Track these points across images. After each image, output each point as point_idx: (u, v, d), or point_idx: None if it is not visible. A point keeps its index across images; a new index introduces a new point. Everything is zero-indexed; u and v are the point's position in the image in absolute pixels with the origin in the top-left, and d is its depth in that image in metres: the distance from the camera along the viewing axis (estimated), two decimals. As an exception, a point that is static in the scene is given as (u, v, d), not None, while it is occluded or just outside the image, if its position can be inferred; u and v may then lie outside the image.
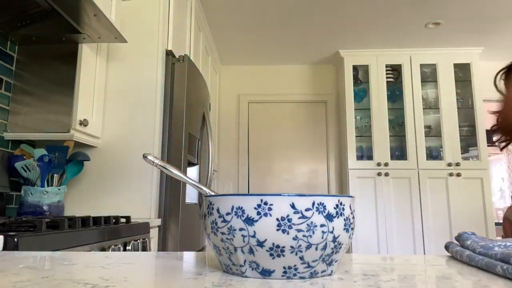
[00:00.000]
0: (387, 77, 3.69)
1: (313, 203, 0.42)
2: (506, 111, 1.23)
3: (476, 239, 0.58)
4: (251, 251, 0.42)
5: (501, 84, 1.33)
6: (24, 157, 1.62)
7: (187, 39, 2.52)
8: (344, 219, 0.44)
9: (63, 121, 1.69)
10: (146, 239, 1.46)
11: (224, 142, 4.04)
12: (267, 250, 0.41)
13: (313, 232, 0.41)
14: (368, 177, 3.50)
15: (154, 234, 1.75)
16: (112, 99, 1.96)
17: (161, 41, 2.00)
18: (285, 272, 0.42)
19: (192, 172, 2.29)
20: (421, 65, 3.70)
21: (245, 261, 0.43)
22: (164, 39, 2.05)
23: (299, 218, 0.41)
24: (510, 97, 1.24)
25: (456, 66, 3.70)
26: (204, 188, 0.59)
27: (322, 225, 0.42)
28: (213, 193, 0.57)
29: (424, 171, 3.46)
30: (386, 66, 3.71)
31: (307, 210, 0.41)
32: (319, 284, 0.40)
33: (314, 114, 4.09)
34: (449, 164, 3.46)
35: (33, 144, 1.84)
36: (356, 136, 3.63)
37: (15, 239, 0.80)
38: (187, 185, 1.99)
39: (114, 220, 1.33)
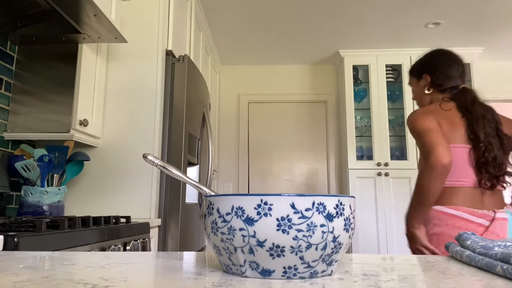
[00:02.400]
0: (387, 77, 3.69)
1: (313, 203, 0.42)
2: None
3: (476, 239, 0.58)
4: (251, 251, 0.42)
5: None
6: (24, 157, 1.62)
7: (187, 39, 2.52)
8: (344, 219, 0.44)
9: (63, 121, 1.69)
10: (146, 239, 1.46)
11: (224, 142, 4.04)
12: (267, 250, 0.41)
13: (313, 232, 0.41)
14: (368, 177, 3.50)
15: (154, 234, 1.75)
16: (112, 99, 1.96)
17: (161, 41, 2.00)
18: (285, 272, 0.42)
19: (192, 172, 2.29)
20: (421, 65, 3.70)
21: (245, 261, 0.43)
22: (164, 39, 2.05)
23: (299, 218, 0.41)
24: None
25: (456, 66, 3.70)
26: (204, 188, 0.59)
27: (322, 225, 0.42)
28: (213, 193, 0.57)
29: (424, 171, 3.46)
30: (386, 66, 3.71)
31: (307, 210, 0.41)
32: (319, 284, 0.40)
33: (314, 114, 4.09)
34: (449, 164, 3.46)
35: (33, 144, 1.84)
36: (356, 136, 3.63)
37: (15, 239, 0.80)
38: (187, 185, 1.99)
39: (114, 220, 1.33)
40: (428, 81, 1.53)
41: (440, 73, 1.51)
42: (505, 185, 1.33)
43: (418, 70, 1.59)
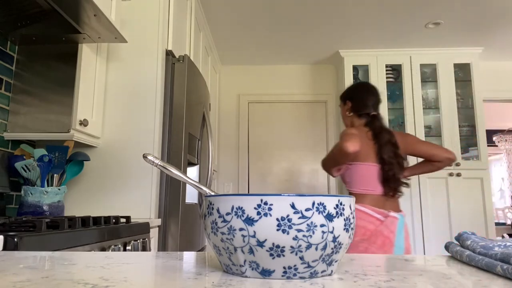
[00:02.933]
0: (387, 77, 3.69)
1: (313, 203, 0.42)
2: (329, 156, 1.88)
3: (476, 239, 0.58)
4: (251, 251, 0.42)
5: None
6: (24, 157, 1.62)
7: (187, 39, 2.52)
8: (344, 219, 0.44)
9: (63, 121, 1.69)
10: (146, 239, 1.46)
11: (224, 142, 4.04)
12: (267, 250, 0.41)
13: (313, 232, 0.41)
14: (368, 177, 3.49)
15: (154, 234, 1.75)
16: (112, 99, 1.96)
17: (161, 41, 2.00)
18: (285, 272, 0.42)
19: (192, 172, 2.29)
20: (421, 65, 3.70)
21: (245, 261, 0.43)
22: (164, 39, 2.05)
23: (299, 218, 0.41)
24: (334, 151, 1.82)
25: (456, 66, 3.70)
26: (204, 188, 0.59)
27: (322, 225, 0.42)
28: (213, 193, 0.57)
29: (424, 171, 3.46)
30: (386, 66, 3.71)
31: (307, 210, 0.41)
32: (319, 284, 0.40)
33: (314, 114, 4.09)
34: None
35: (33, 144, 1.84)
36: (356, 136, 3.62)
37: (15, 239, 0.80)
38: (187, 185, 1.99)
39: (114, 220, 1.33)
40: (349, 106, 1.94)
41: (359, 101, 1.92)
42: (400, 194, 1.80)
43: (344, 96, 2.00)
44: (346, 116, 1.97)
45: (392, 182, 1.78)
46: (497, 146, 6.90)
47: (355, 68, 3.77)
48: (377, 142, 1.81)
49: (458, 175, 3.45)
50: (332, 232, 0.42)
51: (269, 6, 2.92)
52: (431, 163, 1.88)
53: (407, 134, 2.00)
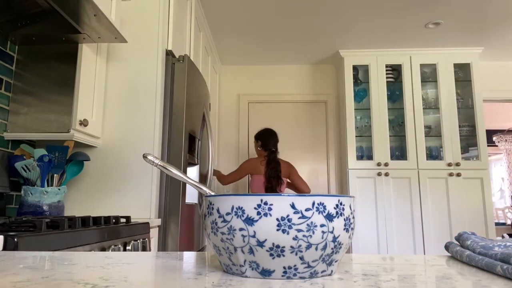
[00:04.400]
0: (387, 77, 3.69)
1: (313, 203, 0.42)
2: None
3: (476, 239, 0.58)
4: (251, 251, 0.42)
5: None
6: (24, 157, 1.62)
7: (187, 39, 2.52)
8: (344, 219, 0.44)
9: (63, 121, 1.69)
10: (146, 239, 1.46)
11: (224, 142, 4.03)
12: (267, 250, 0.41)
13: (313, 232, 0.41)
14: (368, 177, 3.50)
15: (154, 234, 1.75)
16: (112, 99, 1.96)
17: (161, 41, 2.00)
18: (285, 272, 0.42)
19: (192, 172, 2.29)
20: (421, 65, 3.70)
21: (245, 261, 0.43)
22: (164, 39, 2.05)
23: (299, 218, 0.41)
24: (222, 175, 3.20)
25: (456, 66, 3.70)
26: (204, 188, 0.59)
27: (322, 225, 0.42)
28: (213, 193, 0.57)
29: (424, 171, 3.46)
30: (386, 66, 3.71)
31: (307, 210, 0.41)
32: (319, 284, 0.40)
33: (314, 114, 4.09)
34: (449, 164, 3.46)
35: (33, 144, 1.84)
36: (356, 136, 3.63)
37: (15, 239, 0.80)
38: (187, 185, 2.00)
39: (114, 220, 1.33)
40: (259, 143, 3.13)
41: (264, 141, 3.10)
42: None
43: (256, 137, 3.17)
44: (257, 150, 3.15)
45: (269, 191, 2.93)
46: (497, 146, 6.90)
47: (355, 68, 3.77)
48: (266, 167, 3.01)
49: (458, 175, 3.45)
50: (332, 232, 0.42)
51: (269, 6, 2.92)
52: (296, 188, 3.13)
53: (292, 167, 3.12)
